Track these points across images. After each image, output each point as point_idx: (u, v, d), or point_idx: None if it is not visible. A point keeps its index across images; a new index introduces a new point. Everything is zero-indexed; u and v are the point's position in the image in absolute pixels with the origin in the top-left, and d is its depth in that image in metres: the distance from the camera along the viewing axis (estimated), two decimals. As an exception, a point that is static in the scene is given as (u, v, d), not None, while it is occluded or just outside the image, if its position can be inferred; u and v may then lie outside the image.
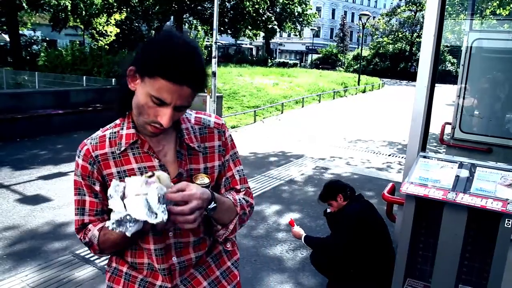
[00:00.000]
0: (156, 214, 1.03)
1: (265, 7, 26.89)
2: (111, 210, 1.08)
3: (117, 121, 1.30)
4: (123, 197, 1.07)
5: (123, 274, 1.32)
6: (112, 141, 1.25)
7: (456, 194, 2.13)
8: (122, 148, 1.23)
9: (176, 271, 1.28)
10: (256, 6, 26.05)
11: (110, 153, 1.24)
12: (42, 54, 17.43)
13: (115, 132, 1.26)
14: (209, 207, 1.14)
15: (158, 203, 1.04)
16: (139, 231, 1.08)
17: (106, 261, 1.41)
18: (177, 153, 1.26)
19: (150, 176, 1.09)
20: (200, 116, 1.35)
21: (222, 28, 27.77)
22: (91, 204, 1.26)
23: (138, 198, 1.04)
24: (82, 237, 1.28)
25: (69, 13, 21.06)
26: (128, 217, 1.02)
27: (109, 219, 1.08)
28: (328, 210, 3.23)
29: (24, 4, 19.82)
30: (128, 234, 1.04)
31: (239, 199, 1.32)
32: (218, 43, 10.03)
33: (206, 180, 1.26)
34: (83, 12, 20.95)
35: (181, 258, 1.28)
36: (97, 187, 1.25)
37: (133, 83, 1.16)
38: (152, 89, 1.09)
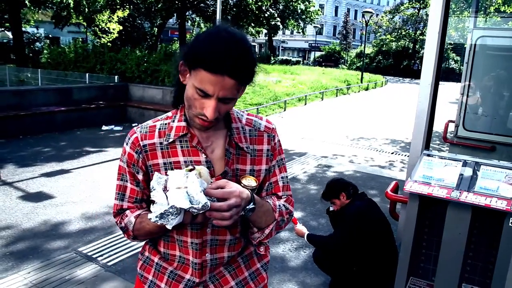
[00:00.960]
0: (198, 202, 1.03)
1: (268, 4, 26.79)
2: (150, 199, 1.10)
3: (169, 114, 1.31)
4: (164, 190, 1.09)
5: (154, 264, 1.35)
6: (162, 131, 1.26)
7: (460, 192, 2.11)
8: (171, 140, 1.24)
9: (207, 267, 1.29)
10: (259, 3, 25.96)
11: (158, 144, 1.25)
12: (45, 51, 17.35)
13: (165, 124, 1.27)
14: (247, 207, 1.13)
15: (200, 193, 1.04)
16: (178, 224, 1.09)
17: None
18: (226, 151, 1.26)
19: (190, 170, 1.10)
20: (252, 118, 1.35)
21: (224, 26, 27.67)
22: (132, 192, 1.28)
23: (180, 190, 1.05)
24: (118, 222, 1.31)
25: (72, 10, 21.06)
26: (171, 209, 1.03)
27: (147, 207, 1.07)
28: (331, 208, 3.22)
29: (26, 1, 19.83)
30: (169, 227, 1.05)
31: (279, 205, 1.31)
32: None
33: (253, 183, 1.24)
34: (86, 9, 20.93)
35: (214, 255, 1.29)
36: (140, 176, 1.27)
37: (184, 76, 1.17)
38: (195, 81, 1.10)
